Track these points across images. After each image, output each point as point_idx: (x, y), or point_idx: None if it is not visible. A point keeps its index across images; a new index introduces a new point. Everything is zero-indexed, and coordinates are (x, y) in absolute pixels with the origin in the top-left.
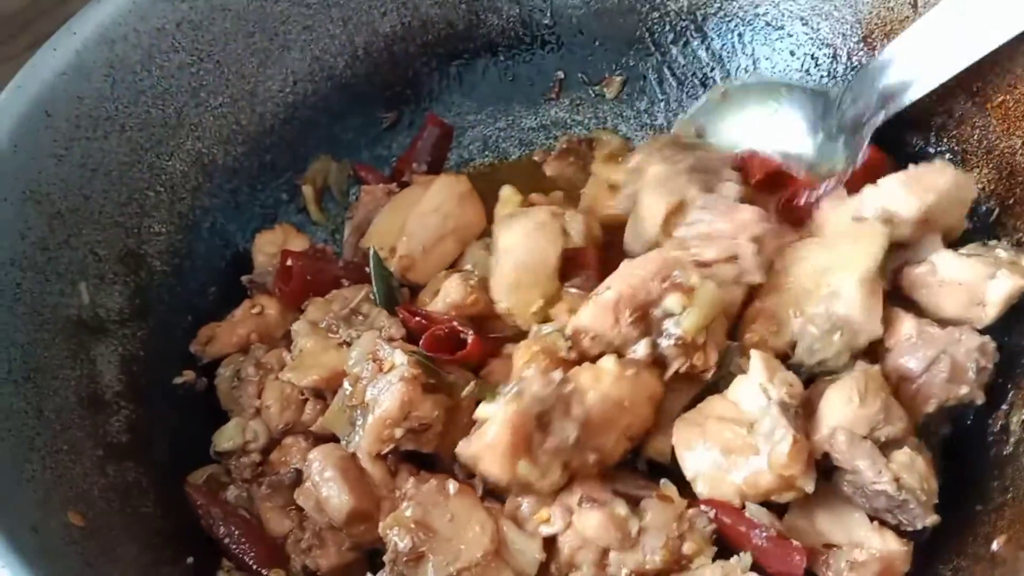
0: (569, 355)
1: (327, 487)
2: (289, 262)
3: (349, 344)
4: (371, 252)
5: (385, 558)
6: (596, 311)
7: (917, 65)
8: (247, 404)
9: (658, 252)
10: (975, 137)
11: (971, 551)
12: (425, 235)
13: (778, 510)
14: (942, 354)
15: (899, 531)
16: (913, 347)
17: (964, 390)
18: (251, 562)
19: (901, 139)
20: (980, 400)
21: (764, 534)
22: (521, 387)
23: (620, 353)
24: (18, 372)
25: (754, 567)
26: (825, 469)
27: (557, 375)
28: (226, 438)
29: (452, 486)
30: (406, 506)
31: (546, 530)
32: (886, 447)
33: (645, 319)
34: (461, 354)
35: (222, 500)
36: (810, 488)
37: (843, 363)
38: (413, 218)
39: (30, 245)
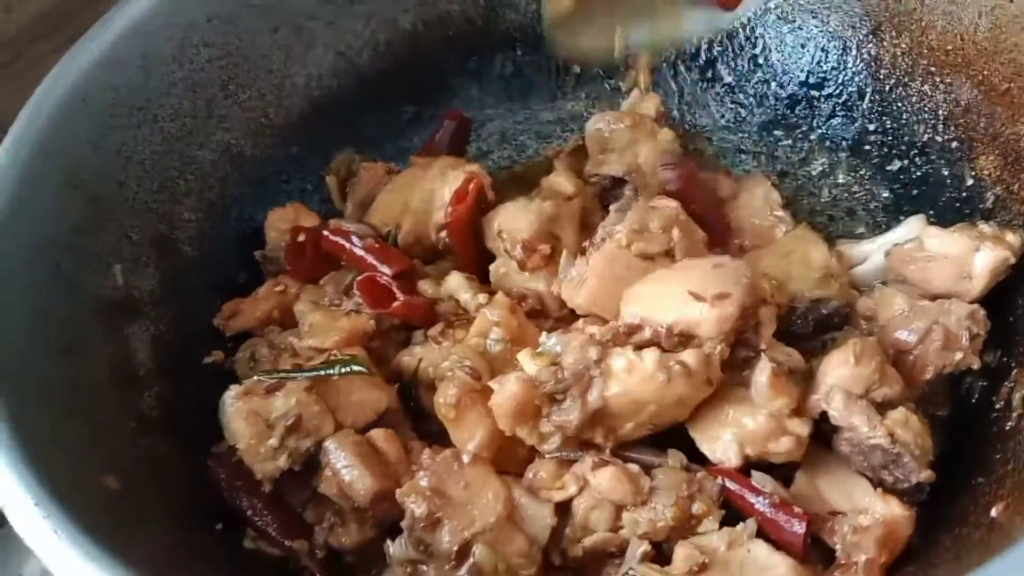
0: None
1: (348, 473)
2: (301, 237)
3: (358, 312)
4: (389, 234)
5: (403, 524)
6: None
7: None
8: None
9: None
10: (981, 125)
11: (972, 519)
12: (430, 210)
13: (785, 481)
14: (935, 324)
15: (902, 498)
16: (906, 320)
17: (959, 356)
18: (274, 533)
19: (909, 128)
20: (976, 365)
21: (767, 501)
22: (550, 347)
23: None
24: (56, 346)
25: (760, 534)
26: (826, 437)
27: (593, 353)
28: None
29: (466, 456)
30: (422, 475)
31: (559, 495)
32: (881, 407)
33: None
34: (394, 307)
35: (246, 472)
36: (804, 431)
37: (844, 303)
38: (416, 195)
39: (68, 227)
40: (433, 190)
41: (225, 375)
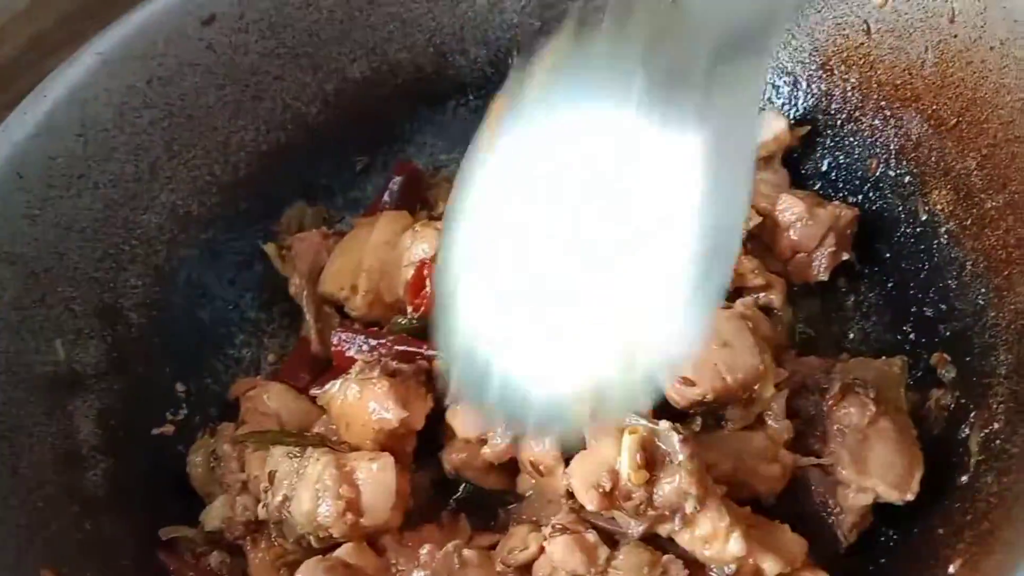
0: None
1: None
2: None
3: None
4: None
5: None
6: None
7: None
8: (232, 481)
9: None
10: (932, 159)
11: (931, 574)
12: (384, 268)
13: None
14: (829, 231)
15: None
16: (806, 226)
17: (846, 256)
18: None
19: (863, 163)
20: (850, 257)
21: None
22: None
23: None
24: None
25: None
26: None
27: (690, 504)
28: (215, 517)
29: (469, 553)
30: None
31: (523, 556)
32: None
33: None
34: None
35: (203, 568)
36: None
37: None
38: (368, 254)
39: (4, 306)
40: (396, 246)
41: (175, 447)
